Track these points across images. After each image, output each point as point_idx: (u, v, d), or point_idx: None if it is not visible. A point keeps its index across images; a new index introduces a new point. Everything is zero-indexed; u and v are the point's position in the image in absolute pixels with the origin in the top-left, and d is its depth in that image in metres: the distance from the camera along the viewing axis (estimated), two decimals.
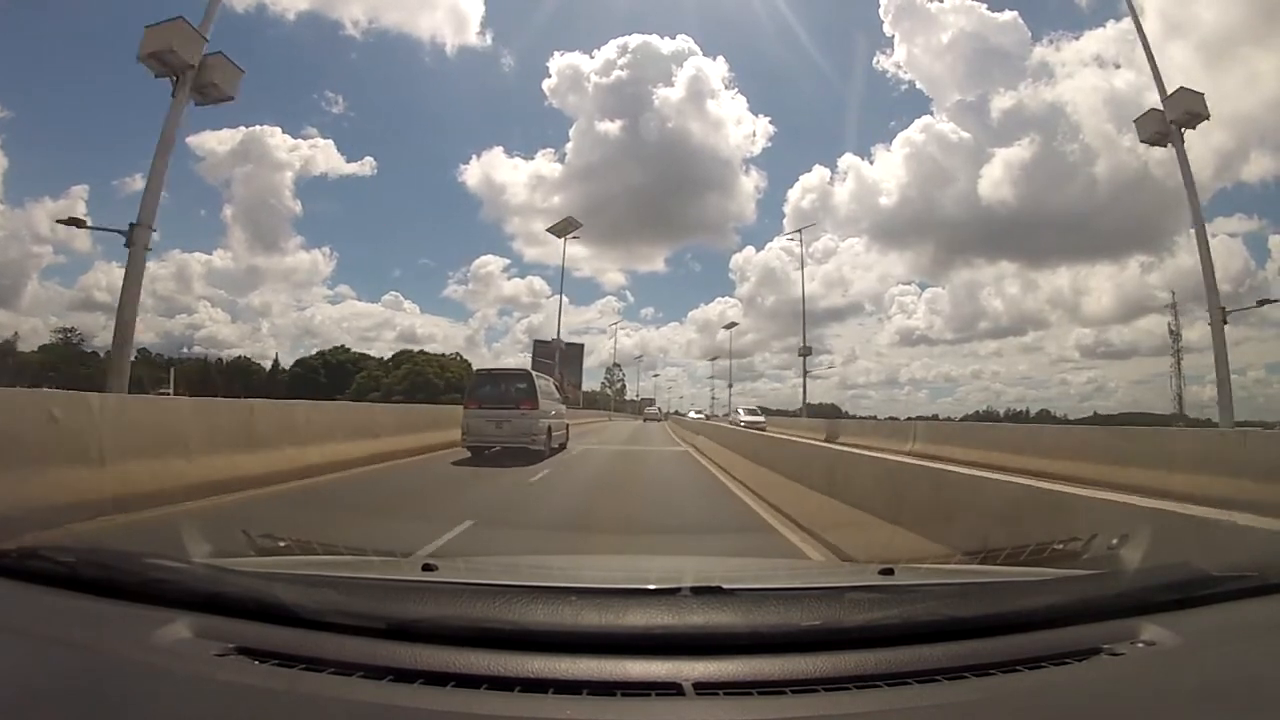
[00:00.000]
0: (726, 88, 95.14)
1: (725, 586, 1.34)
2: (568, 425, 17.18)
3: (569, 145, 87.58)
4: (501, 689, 0.99)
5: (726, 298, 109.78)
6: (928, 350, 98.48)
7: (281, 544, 2.10)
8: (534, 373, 14.46)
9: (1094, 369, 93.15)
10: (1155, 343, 76.46)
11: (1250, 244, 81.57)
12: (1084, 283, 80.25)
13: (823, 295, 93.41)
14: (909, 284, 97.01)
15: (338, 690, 0.98)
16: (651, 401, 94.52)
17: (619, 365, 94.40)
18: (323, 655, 1.05)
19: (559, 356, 66.91)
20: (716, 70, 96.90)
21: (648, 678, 1.03)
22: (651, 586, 1.41)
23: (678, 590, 1.31)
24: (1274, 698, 1.05)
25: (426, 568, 1.65)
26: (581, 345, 78.76)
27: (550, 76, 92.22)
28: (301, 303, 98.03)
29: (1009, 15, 75.15)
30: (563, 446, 15.76)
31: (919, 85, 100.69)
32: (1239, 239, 71.08)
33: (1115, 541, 2.39)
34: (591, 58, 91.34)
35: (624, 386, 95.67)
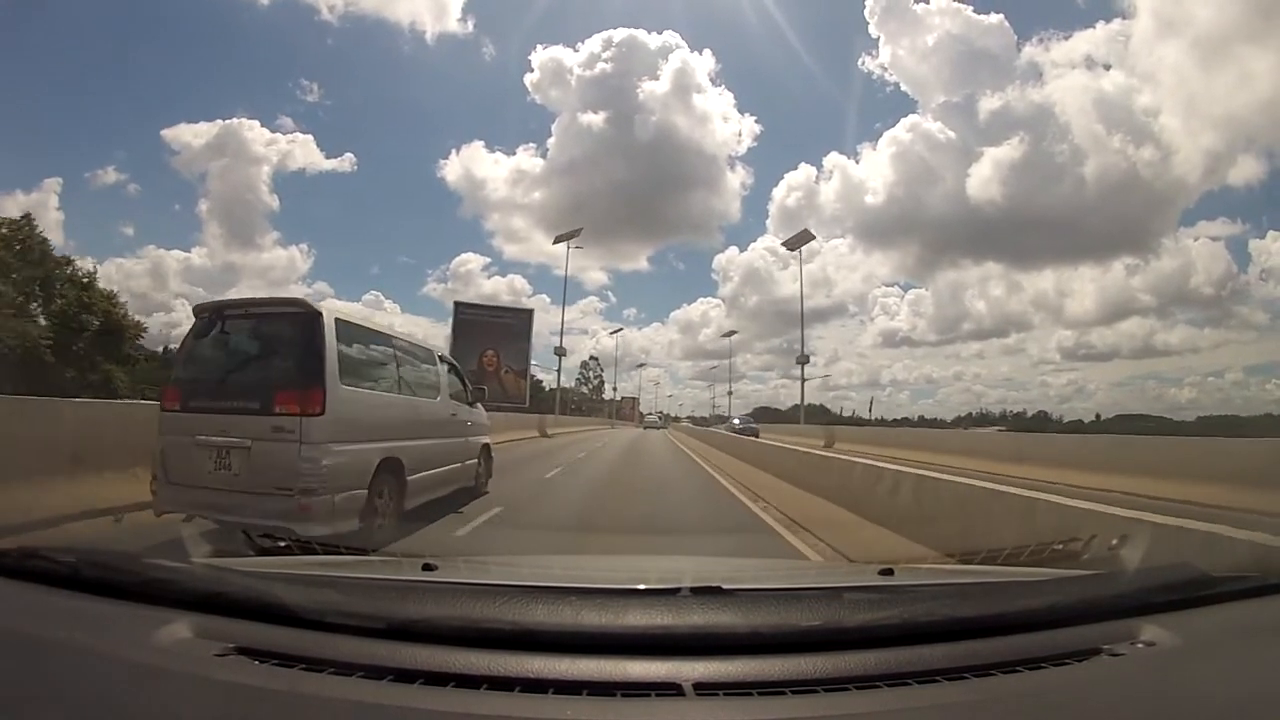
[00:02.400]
0: (713, 84, 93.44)
1: (725, 587, 1.34)
2: (487, 446, 8.80)
3: (551, 140, 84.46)
4: (501, 689, 0.99)
5: (709, 298, 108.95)
6: (910, 352, 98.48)
7: (281, 544, 2.10)
8: (337, 315, 5.54)
9: (1074, 371, 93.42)
10: (1136, 345, 76.72)
11: (1233, 248, 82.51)
12: (1068, 284, 79.93)
13: (807, 296, 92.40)
14: (892, 285, 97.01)
15: (338, 690, 0.98)
16: (635, 401, 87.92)
17: (596, 359, 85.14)
18: (323, 655, 1.05)
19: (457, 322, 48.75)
20: (702, 66, 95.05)
21: (648, 678, 1.03)
22: (651, 586, 1.41)
23: (677, 590, 1.31)
24: (1274, 698, 1.05)
25: (426, 568, 1.65)
26: (530, 312, 55.51)
27: (533, 70, 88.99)
28: None
29: (995, 18, 75.03)
30: (474, 493, 8.13)
31: (904, 87, 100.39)
32: (1222, 243, 71.76)
33: (1115, 542, 2.39)
34: (575, 51, 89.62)
35: (601, 384, 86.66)
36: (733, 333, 70.45)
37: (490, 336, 51.86)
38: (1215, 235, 70.52)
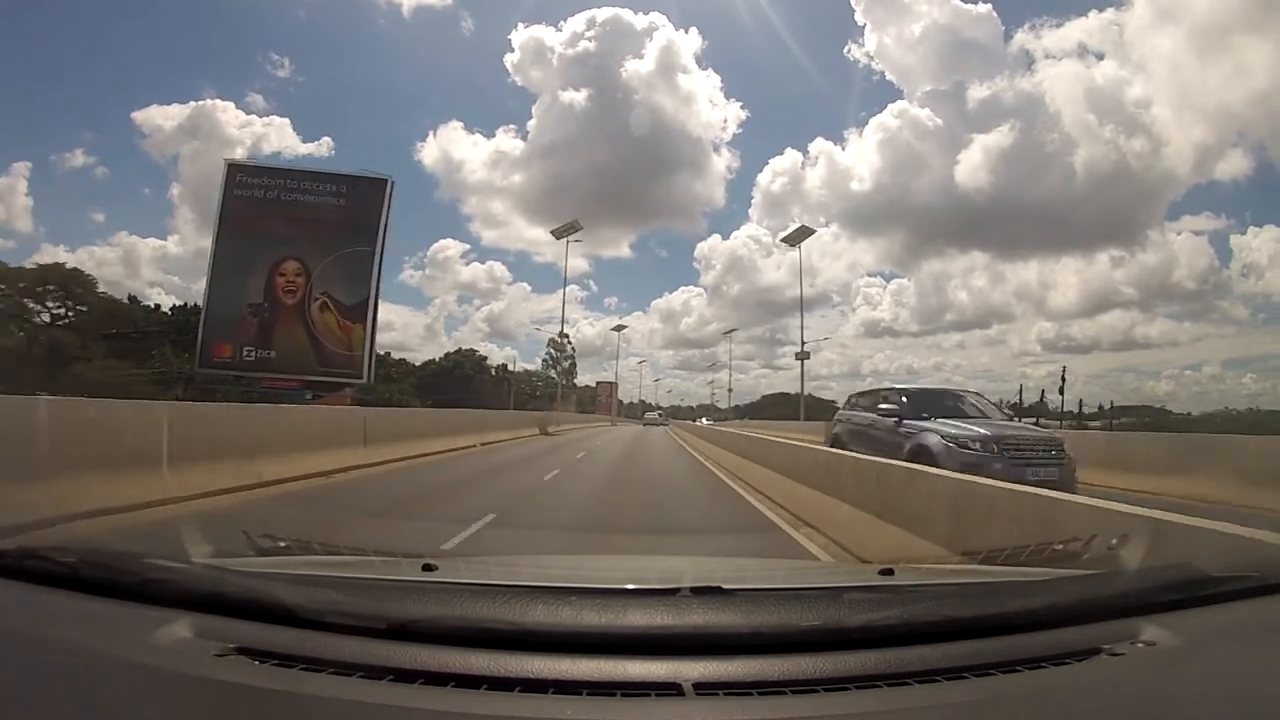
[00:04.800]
0: (700, 67, 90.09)
1: (725, 587, 1.34)
2: None
3: (532, 122, 78.40)
4: (501, 689, 0.99)
5: (691, 286, 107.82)
6: (892, 342, 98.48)
7: (282, 544, 2.10)
8: None
9: (1054, 363, 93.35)
10: (1117, 338, 76.59)
11: (1216, 243, 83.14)
12: (1051, 276, 79.24)
13: (789, 285, 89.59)
14: (875, 275, 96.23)
15: (338, 690, 0.98)
16: (613, 387, 73.82)
17: (566, 336, 69.62)
18: (323, 655, 1.05)
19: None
20: (688, 48, 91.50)
21: (647, 678, 1.03)
22: (651, 586, 1.41)
23: (677, 590, 1.31)
24: (1274, 698, 1.05)
25: (426, 568, 1.65)
26: (384, 183, 28.77)
27: (513, 50, 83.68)
28: None
29: (984, 7, 74.17)
30: None
31: (889, 76, 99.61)
32: (1205, 237, 72.05)
33: (1115, 541, 2.39)
34: (558, 30, 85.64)
35: (574, 365, 72.42)
36: (807, 230, 46.18)
37: (294, 232, 26.34)
38: (1199, 230, 70.82)
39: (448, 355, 62.56)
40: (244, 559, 1.82)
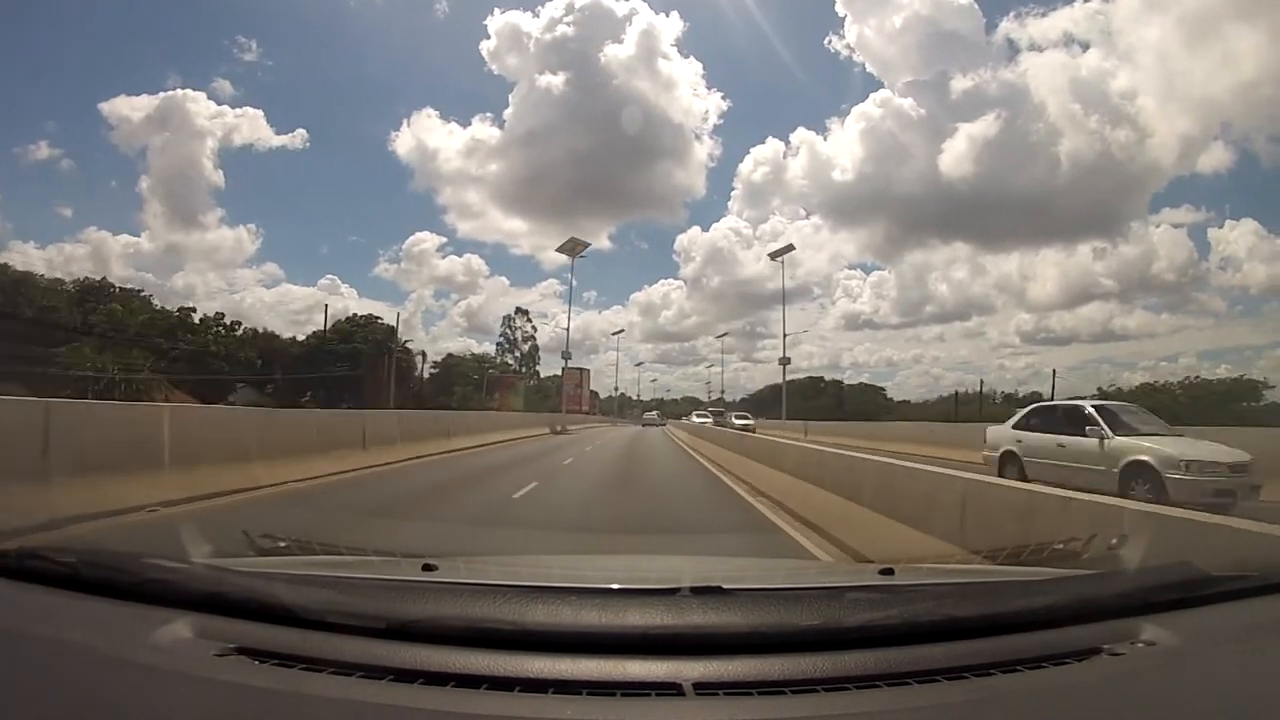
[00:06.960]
0: (681, 55, 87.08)
1: (725, 586, 1.34)
2: None
3: (509, 111, 72.81)
4: (501, 689, 0.99)
5: (671, 279, 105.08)
6: (872, 334, 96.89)
7: (281, 544, 2.10)
8: None
9: (1032, 355, 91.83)
10: (1095, 330, 76.05)
11: (1195, 236, 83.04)
12: (1032, 268, 77.48)
13: (769, 277, 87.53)
14: (855, 268, 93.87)
15: (338, 690, 0.98)
16: (584, 374, 62.98)
17: (525, 311, 63.96)
18: (323, 655, 1.05)
19: None
20: (669, 34, 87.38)
21: (648, 678, 1.03)
22: (651, 586, 1.41)
23: (677, 590, 1.31)
24: (1274, 698, 1.05)
25: (426, 568, 1.65)
26: None
27: (490, 37, 78.43)
28: (233, 286, 76.78)
29: None
30: None
31: (869, 68, 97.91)
32: (1184, 230, 71.33)
33: (1115, 541, 2.40)
34: (535, 16, 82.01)
35: (535, 350, 64.82)
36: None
37: None
38: (1179, 222, 69.56)
39: (336, 325, 48.04)
40: (244, 559, 1.82)
